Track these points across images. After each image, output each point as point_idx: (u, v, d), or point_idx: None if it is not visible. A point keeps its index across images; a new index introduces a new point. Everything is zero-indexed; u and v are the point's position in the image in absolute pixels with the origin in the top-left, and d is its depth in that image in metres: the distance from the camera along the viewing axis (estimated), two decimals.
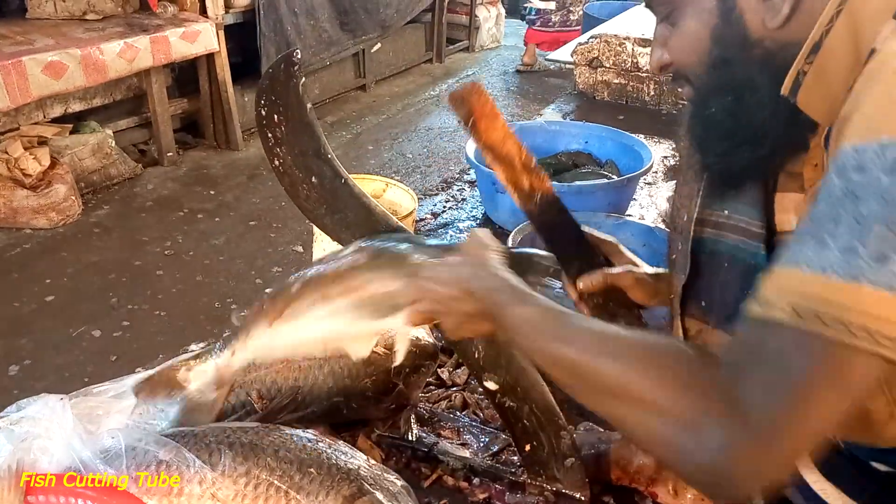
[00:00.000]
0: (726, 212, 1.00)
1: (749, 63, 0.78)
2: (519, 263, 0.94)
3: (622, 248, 1.22)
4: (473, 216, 2.48)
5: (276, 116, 1.10)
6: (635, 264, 1.19)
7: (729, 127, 0.83)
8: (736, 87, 0.80)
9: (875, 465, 0.79)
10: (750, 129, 0.80)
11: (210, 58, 4.04)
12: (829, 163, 0.61)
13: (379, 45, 5.36)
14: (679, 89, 0.94)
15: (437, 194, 2.70)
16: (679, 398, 0.61)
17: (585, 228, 1.21)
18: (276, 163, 1.13)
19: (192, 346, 1.67)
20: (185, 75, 4.22)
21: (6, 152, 3.29)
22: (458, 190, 2.77)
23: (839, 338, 0.54)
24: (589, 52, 3.69)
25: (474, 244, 0.90)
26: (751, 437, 0.57)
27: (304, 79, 1.08)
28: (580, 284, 1.15)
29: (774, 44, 0.76)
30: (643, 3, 0.89)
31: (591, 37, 3.74)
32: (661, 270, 1.21)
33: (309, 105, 1.09)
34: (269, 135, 1.11)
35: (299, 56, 1.07)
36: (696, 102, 0.88)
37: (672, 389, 0.62)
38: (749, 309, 0.61)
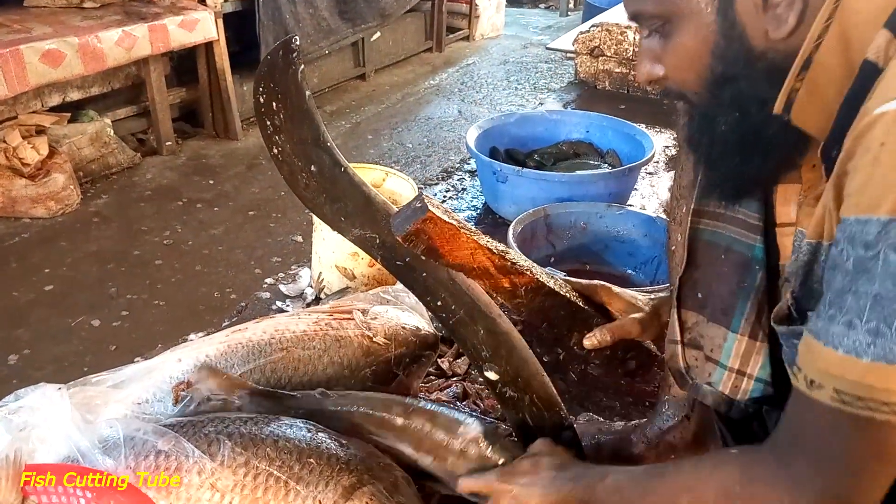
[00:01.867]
0: (724, 201, 0.99)
1: (754, 77, 0.76)
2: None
3: (614, 288, 1.22)
4: (474, 206, 2.46)
5: (274, 104, 1.08)
6: (632, 303, 1.20)
7: (737, 142, 0.81)
8: (742, 102, 0.78)
9: None
10: (760, 142, 0.79)
11: (209, 46, 4.01)
12: (837, 228, 0.64)
13: (378, 33, 5.32)
14: (673, 102, 0.92)
15: (437, 184, 2.69)
16: (725, 465, 0.71)
17: (572, 286, 1.21)
18: (275, 151, 1.12)
19: (191, 336, 1.67)
20: (184, 64, 4.20)
21: (4, 141, 3.28)
22: (458, 179, 2.76)
23: (884, 419, 0.58)
24: (590, 40, 3.67)
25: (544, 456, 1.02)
26: None
27: (302, 66, 1.06)
28: (587, 343, 1.18)
29: (779, 55, 0.74)
30: (628, 17, 0.85)
31: (593, 25, 3.72)
32: (657, 296, 1.21)
33: (308, 93, 1.08)
34: (268, 123, 1.10)
35: (298, 43, 1.06)
36: (698, 119, 0.85)
37: (738, 498, 0.69)
38: (794, 384, 0.66)
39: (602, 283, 1.24)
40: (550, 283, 1.15)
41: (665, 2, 0.78)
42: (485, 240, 1.07)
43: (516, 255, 1.13)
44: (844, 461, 0.61)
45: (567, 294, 1.19)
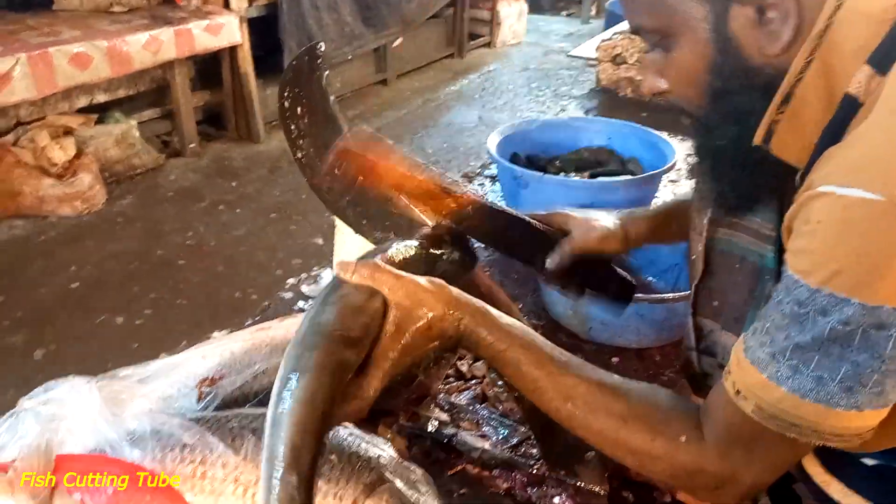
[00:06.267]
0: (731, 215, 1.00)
1: (752, 92, 0.77)
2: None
3: (569, 211, 1.21)
4: None
5: (299, 109, 1.10)
6: (590, 222, 1.19)
7: (737, 157, 0.82)
8: (740, 116, 0.78)
9: (864, 460, 0.83)
10: (759, 158, 0.80)
11: (233, 51, 4.07)
12: (783, 266, 0.71)
13: (400, 39, 5.36)
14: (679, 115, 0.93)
15: None
16: (676, 455, 0.79)
17: (527, 216, 1.18)
18: (299, 155, 1.13)
19: (215, 334, 1.69)
20: (208, 68, 4.26)
21: (33, 141, 3.34)
22: (478, 185, 2.77)
23: (792, 436, 0.70)
24: (612, 48, 3.67)
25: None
26: (740, 489, 0.78)
27: (327, 71, 1.08)
28: (548, 266, 1.15)
29: (775, 70, 0.75)
30: (630, 31, 0.88)
31: (615, 33, 3.72)
32: (622, 213, 1.21)
33: (332, 97, 1.10)
34: (292, 127, 1.12)
35: (323, 48, 1.08)
36: (700, 133, 0.86)
37: (668, 448, 0.79)
38: (724, 383, 0.76)
39: (557, 208, 1.21)
40: (494, 206, 1.12)
41: (661, 17, 0.78)
42: (410, 164, 1.06)
43: (452, 180, 1.11)
44: (770, 459, 0.75)
45: (518, 215, 1.16)
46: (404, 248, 0.93)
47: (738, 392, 0.74)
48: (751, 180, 0.84)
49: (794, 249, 0.70)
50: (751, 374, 0.72)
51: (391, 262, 0.87)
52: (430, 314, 0.81)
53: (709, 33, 0.76)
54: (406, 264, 0.90)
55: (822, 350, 0.67)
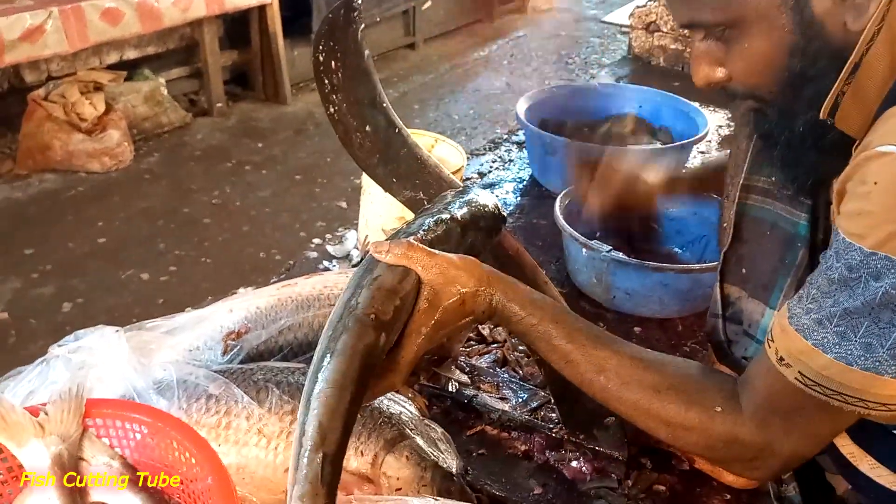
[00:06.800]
0: (773, 178, 0.98)
1: (834, 70, 0.73)
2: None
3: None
4: (520, 178, 2.46)
5: (333, 63, 1.09)
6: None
7: (817, 140, 0.80)
8: (821, 97, 0.75)
9: (894, 431, 0.81)
10: (841, 138, 0.77)
11: (262, 10, 4.04)
12: (833, 230, 0.70)
13: (430, 2, 5.30)
14: (738, 101, 0.89)
15: (483, 154, 2.68)
16: (711, 426, 0.78)
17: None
18: (332, 110, 1.12)
19: (241, 290, 1.71)
20: (237, 27, 4.24)
21: (63, 96, 3.37)
22: (505, 151, 2.75)
23: (836, 405, 0.70)
24: (647, 15, 3.59)
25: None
26: (776, 460, 0.78)
27: (363, 25, 1.07)
28: None
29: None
30: (679, 25, 0.82)
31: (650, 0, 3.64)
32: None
33: (367, 52, 1.09)
34: (326, 81, 1.10)
35: (360, 1, 1.06)
36: (776, 117, 0.83)
37: (703, 418, 0.79)
38: (766, 351, 0.75)
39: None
40: None
41: (728, 10, 0.75)
42: None
43: None
44: (809, 430, 0.75)
45: None
46: (434, 223, 0.93)
47: (780, 359, 0.73)
48: (822, 159, 0.81)
49: (848, 212, 0.68)
50: (795, 340, 0.71)
51: (422, 240, 0.88)
52: (463, 290, 0.82)
53: (788, 17, 0.73)
54: (437, 240, 0.91)
55: (873, 315, 0.66)
